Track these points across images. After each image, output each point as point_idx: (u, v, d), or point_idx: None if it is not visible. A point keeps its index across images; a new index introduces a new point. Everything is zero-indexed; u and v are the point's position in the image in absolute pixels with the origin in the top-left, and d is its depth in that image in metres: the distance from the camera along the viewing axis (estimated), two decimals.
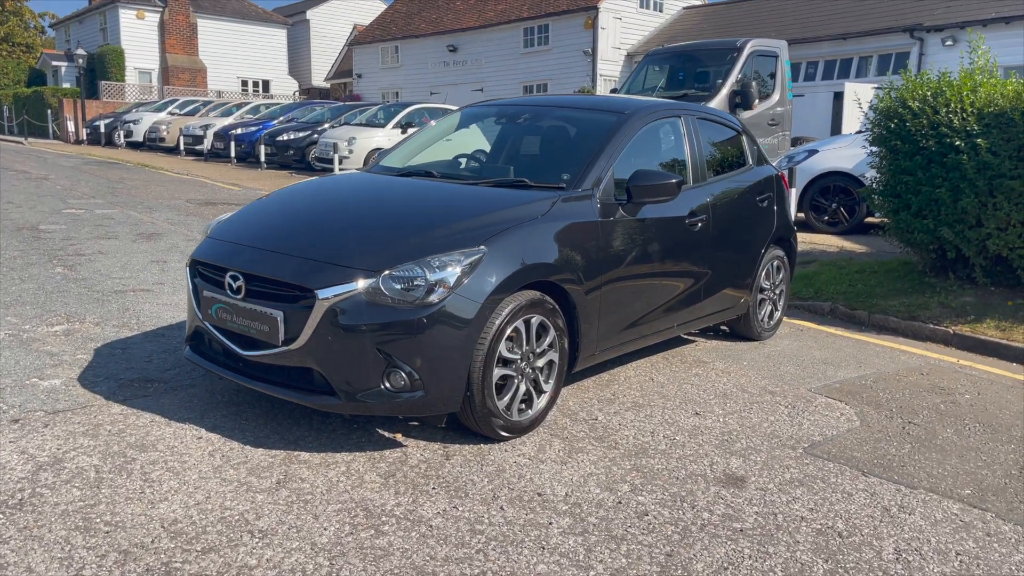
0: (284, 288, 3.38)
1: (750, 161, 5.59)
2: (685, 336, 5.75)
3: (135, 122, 26.26)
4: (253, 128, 21.37)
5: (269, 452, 3.44)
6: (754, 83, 11.56)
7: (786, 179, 6.00)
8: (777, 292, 5.85)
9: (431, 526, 2.89)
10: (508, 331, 3.52)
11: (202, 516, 2.89)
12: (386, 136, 17.64)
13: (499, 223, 3.63)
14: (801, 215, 10.06)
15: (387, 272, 3.30)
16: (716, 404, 4.35)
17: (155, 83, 37.96)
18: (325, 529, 2.84)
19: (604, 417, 4.06)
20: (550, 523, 2.96)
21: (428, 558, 2.69)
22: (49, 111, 33.43)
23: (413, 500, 3.09)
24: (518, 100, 5.53)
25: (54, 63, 39.89)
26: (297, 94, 41.68)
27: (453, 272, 3.34)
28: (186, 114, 26.12)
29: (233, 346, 3.56)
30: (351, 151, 17.26)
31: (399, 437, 3.67)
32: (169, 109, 27.20)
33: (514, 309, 3.51)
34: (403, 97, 34.07)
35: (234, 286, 3.51)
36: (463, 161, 4.90)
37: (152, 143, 25.33)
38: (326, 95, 41.19)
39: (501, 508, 3.06)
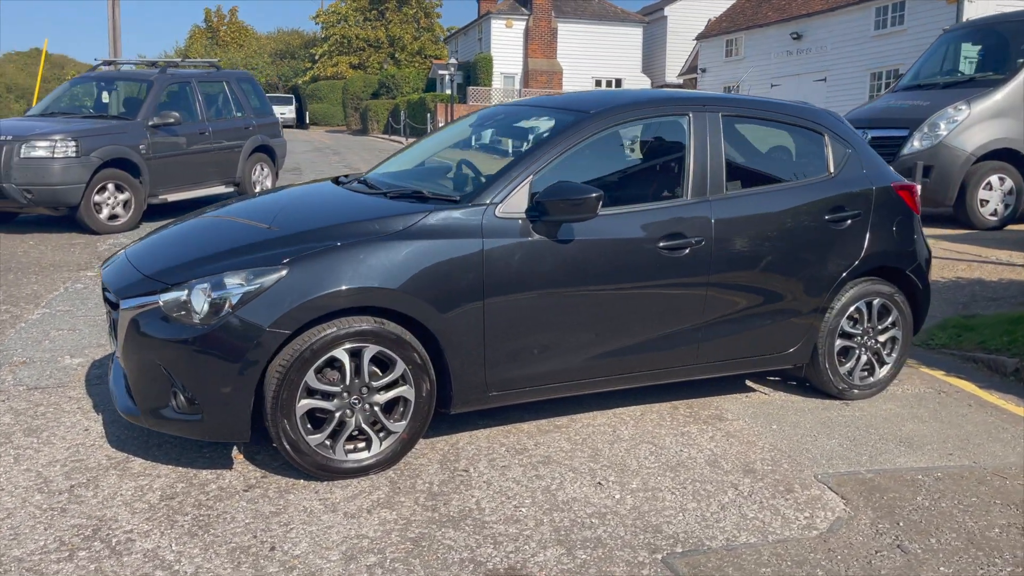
0: (112, 298, 3.46)
1: (831, 169, 4.33)
2: (751, 383, 4.68)
3: None
4: None
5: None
6: None
7: (910, 194, 4.53)
8: (879, 340, 4.47)
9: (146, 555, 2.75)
10: (319, 361, 3.18)
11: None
12: None
13: (334, 239, 3.29)
14: None
15: (176, 286, 3.20)
16: (648, 476, 3.48)
17: (517, 86, 41.02)
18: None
19: (480, 470, 3.48)
20: None
21: None
22: (428, 115, 38.00)
23: (157, 532, 2.96)
24: (530, 100, 4.92)
25: (440, 72, 45.20)
26: None
27: (237, 292, 3.11)
28: None
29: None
30: None
31: (239, 457, 3.55)
32: None
33: (332, 336, 3.17)
34: (743, 91, 32.49)
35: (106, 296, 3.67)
36: (418, 171, 4.52)
37: None
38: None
39: (214, 555, 2.80)
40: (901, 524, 3.14)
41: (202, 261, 3.32)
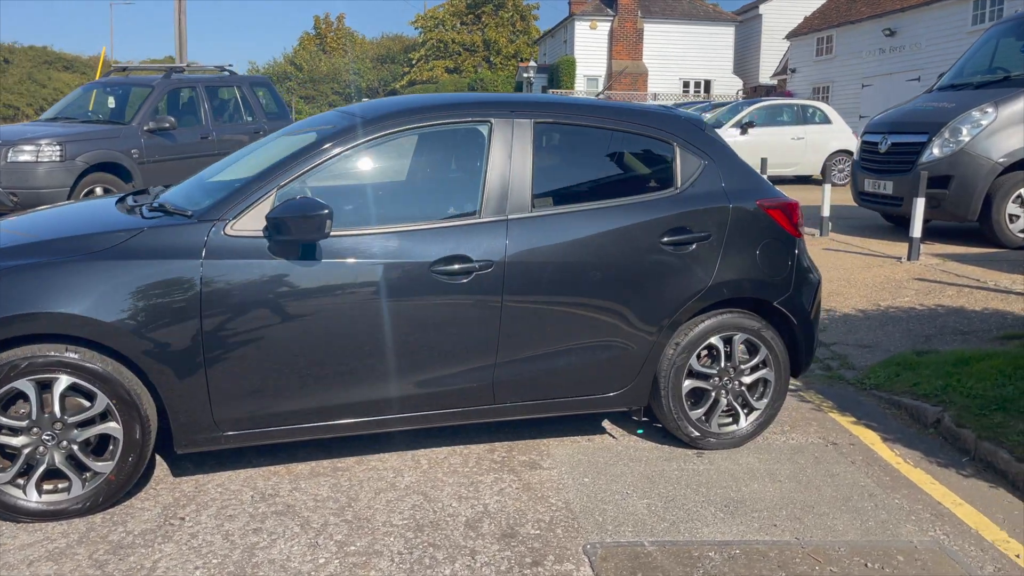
0: None
1: (677, 184, 3.73)
2: (608, 423, 4.12)
3: None
4: None
5: None
6: None
7: (783, 214, 3.85)
8: (744, 383, 3.84)
9: None
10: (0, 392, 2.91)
11: None
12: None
13: (50, 253, 3.01)
14: None
15: None
16: (383, 537, 3.02)
17: (600, 89, 40.29)
18: None
19: (199, 519, 3.10)
20: None
21: None
22: None
23: None
24: (351, 108, 4.44)
25: (524, 75, 45.02)
26: (740, 93, 40.44)
27: None
28: None
29: None
30: None
31: None
32: None
33: (8, 365, 2.89)
34: (833, 92, 30.75)
35: None
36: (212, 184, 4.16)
37: None
38: (771, 93, 39.22)
39: None
40: None
41: None
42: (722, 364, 3.80)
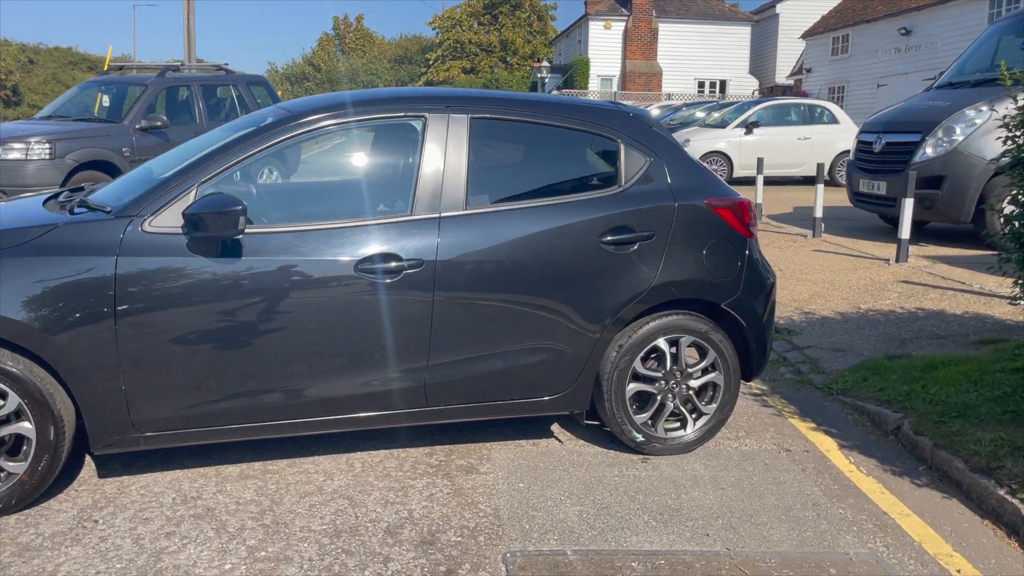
0: None
1: (621, 182, 3.62)
2: (557, 427, 4.03)
3: None
4: None
5: None
6: None
7: (733, 213, 3.73)
8: (691, 387, 3.73)
9: None
10: None
11: None
12: (727, 138, 15.91)
13: None
14: None
15: None
16: (298, 542, 2.94)
17: (614, 89, 40.08)
18: None
19: (113, 522, 3.04)
20: None
21: None
22: None
23: None
24: (288, 104, 4.36)
25: (538, 75, 44.90)
26: (756, 93, 40.08)
27: None
28: None
29: None
30: None
31: None
32: None
33: None
34: (848, 92, 30.41)
35: None
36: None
37: None
38: (787, 93, 38.83)
39: None
40: None
41: None
42: (668, 367, 3.69)
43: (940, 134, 7.93)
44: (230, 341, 3.13)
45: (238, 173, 3.29)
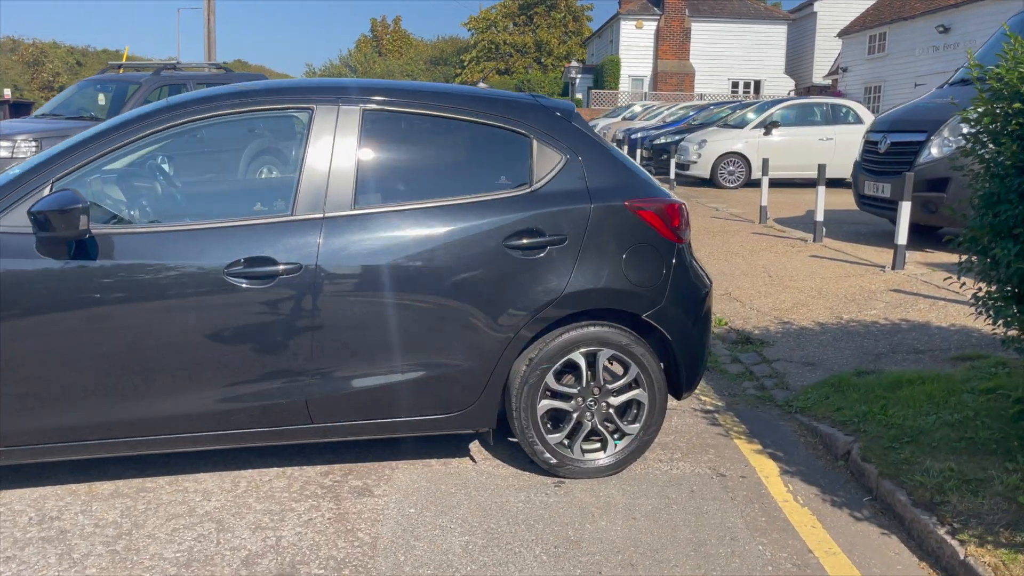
0: None
1: (531, 181, 3.31)
2: (475, 447, 3.73)
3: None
4: (653, 131, 20.74)
5: None
6: None
7: (658, 216, 3.39)
8: (611, 404, 3.40)
9: None
10: None
11: None
12: (745, 139, 15.40)
13: None
14: None
15: None
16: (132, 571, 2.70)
17: (646, 89, 39.53)
18: None
19: None
20: None
21: None
22: None
23: None
24: None
25: (569, 75, 44.55)
26: (791, 93, 39.21)
27: None
28: (638, 118, 26.35)
29: None
30: (699, 155, 15.52)
31: None
32: (623, 115, 28.01)
33: None
34: (885, 92, 29.52)
35: None
36: None
37: None
38: (824, 93, 37.94)
39: None
40: None
41: None
42: (585, 383, 3.37)
43: (946, 133, 7.46)
44: (86, 352, 2.90)
45: (106, 169, 3.05)
